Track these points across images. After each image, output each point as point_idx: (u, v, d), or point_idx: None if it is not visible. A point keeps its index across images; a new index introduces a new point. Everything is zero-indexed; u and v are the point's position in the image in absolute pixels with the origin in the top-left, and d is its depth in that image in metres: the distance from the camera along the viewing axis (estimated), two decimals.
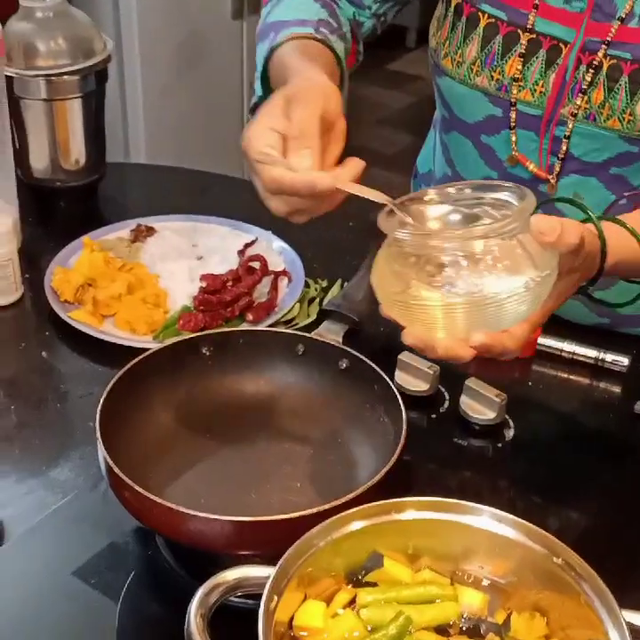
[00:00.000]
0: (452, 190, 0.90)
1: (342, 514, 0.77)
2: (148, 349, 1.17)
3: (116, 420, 0.95)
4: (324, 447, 1.00)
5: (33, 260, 1.36)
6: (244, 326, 1.24)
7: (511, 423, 1.13)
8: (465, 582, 0.81)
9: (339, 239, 1.44)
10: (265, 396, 1.04)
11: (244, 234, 1.40)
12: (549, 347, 1.23)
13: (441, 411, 1.14)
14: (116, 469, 0.86)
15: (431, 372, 1.12)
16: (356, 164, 0.93)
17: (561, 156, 1.18)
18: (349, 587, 0.80)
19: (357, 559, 0.80)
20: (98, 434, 0.91)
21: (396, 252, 0.85)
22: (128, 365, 0.98)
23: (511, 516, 0.79)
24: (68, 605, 0.93)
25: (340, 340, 1.04)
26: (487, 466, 1.10)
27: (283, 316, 1.26)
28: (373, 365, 1.00)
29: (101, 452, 0.89)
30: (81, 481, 1.04)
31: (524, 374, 1.22)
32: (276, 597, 0.72)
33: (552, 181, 1.20)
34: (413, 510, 0.79)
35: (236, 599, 0.80)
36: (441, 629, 0.78)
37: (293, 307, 1.27)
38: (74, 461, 1.07)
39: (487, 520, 0.79)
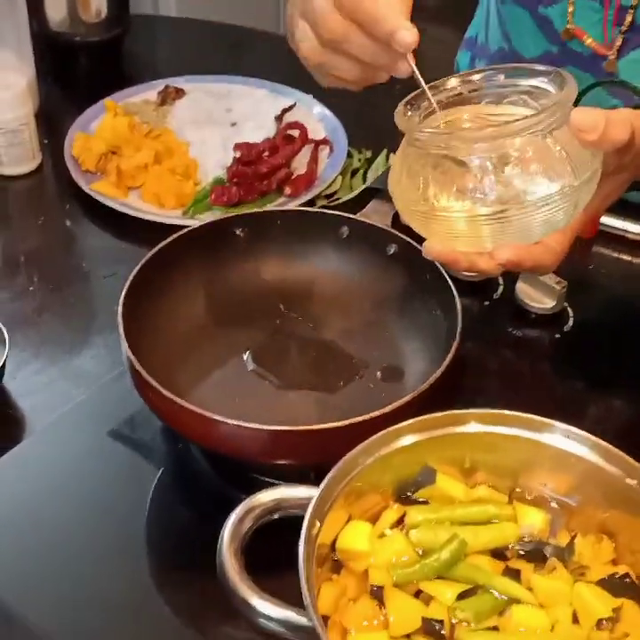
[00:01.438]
0: (479, 76, 0.78)
1: (393, 428, 0.69)
2: (177, 226, 1.09)
3: (141, 310, 0.86)
4: (370, 341, 0.91)
5: (51, 123, 1.26)
6: (282, 200, 1.14)
7: (571, 312, 1.03)
8: (525, 500, 0.73)
9: (384, 104, 1.30)
10: (304, 284, 0.94)
11: (281, 97, 1.28)
12: (613, 227, 1.12)
13: (494, 297, 1.05)
14: (142, 370, 0.78)
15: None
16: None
17: (624, 28, 1.05)
18: (397, 505, 0.72)
19: (407, 474, 0.72)
20: (121, 329, 0.82)
21: (414, 154, 0.74)
22: (150, 253, 0.88)
23: (583, 433, 0.70)
24: (91, 506, 0.86)
25: (389, 223, 0.94)
26: (544, 358, 1.01)
27: (323, 190, 1.16)
28: None
29: (125, 348, 0.81)
30: (105, 371, 0.96)
31: (584, 258, 1.11)
32: (318, 523, 0.64)
33: (611, 57, 1.07)
34: (476, 423, 0.70)
35: None
36: (497, 553, 0.71)
37: (335, 179, 1.17)
38: (97, 349, 1.00)
39: (557, 436, 0.70)
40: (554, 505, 0.73)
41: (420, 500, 0.73)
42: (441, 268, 0.89)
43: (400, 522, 0.72)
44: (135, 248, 1.11)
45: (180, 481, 0.89)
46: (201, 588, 0.79)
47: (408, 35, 0.75)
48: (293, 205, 1.12)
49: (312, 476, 0.81)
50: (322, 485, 0.65)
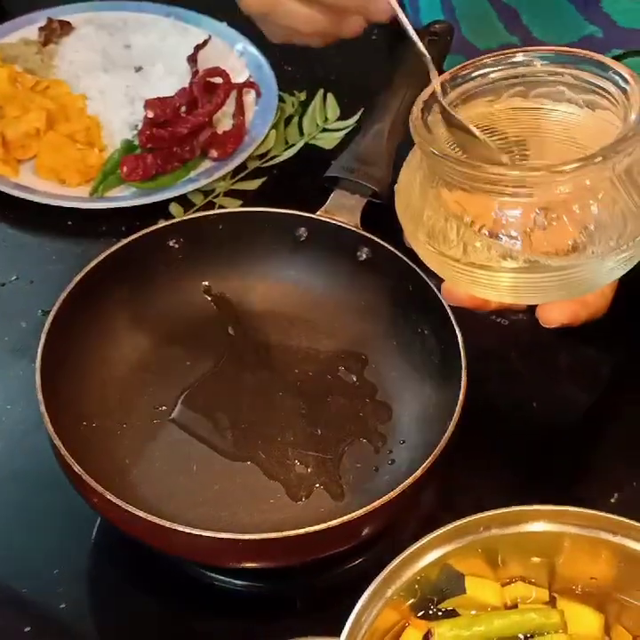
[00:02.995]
0: (520, 58, 0.62)
1: (420, 545, 0.54)
2: (85, 211, 0.90)
3: (60, 366, 0.69)
4: (343, 372, 0.75)
5: None
6: (208, 166, 0.95)
7: None
8: (570, 594, 0.60)
9: None
10: (257, 302, 0.77)
11: (191, 28, 1.07)
12: None
13: None
14: (77, 468, 0.61)
15: None
16: None
17: None
18: (419, 620, 0.59)
19: (429, 582, 0.58)
20: (40, 396, 0.65)
21: (439, 181, 0.58)
22: (65, 291, 0.71)
23: None
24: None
25: (358, 222, 0.76)
26: (537, 352, 0.86)
27: (255, 150, 0.97)
28: (404, 257, 0.74)
29: (50, 430, 0.63)
30: (18, 416, 0.78)
31: None
32: None
33: None
34: (543, 522, 0.56)
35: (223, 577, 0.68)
36: None
37: (268, 134, 0.98)
38: (7, 382, 0.81)
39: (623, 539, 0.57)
40: (606, 600, 0.60)
41: (445, 609, 0.59)
42: (426, 278, 0.73)
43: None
44: (37, 241, 0.93)
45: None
46: None
47: None
48: (223, 172, 0.94)
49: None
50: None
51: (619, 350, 0.85)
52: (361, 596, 0.59)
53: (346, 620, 0.67)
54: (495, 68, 0.63)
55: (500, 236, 0.57)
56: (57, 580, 0.71)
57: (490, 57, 0.63)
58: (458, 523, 0.55)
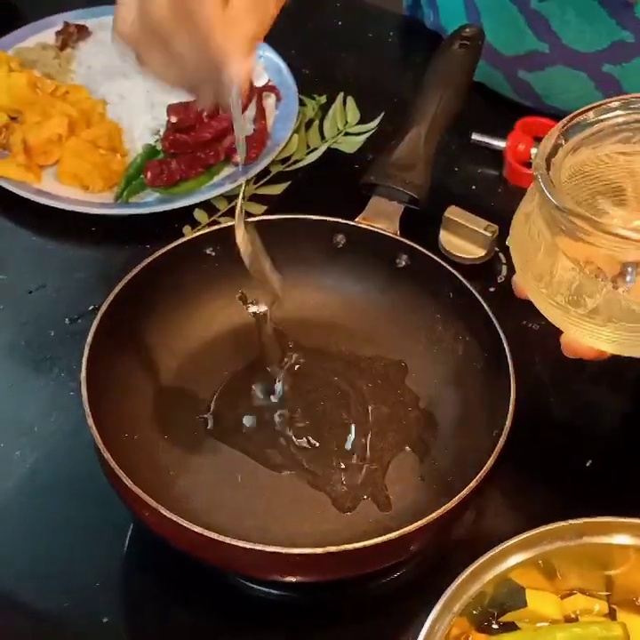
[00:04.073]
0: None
1: (490, 555, 0.54)
2: (109, 217, 0.89)
3: (101, 383, 0.67)
4: (384, 380, 0.74)
5: None
6: (230, 171, 0.94)
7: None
8: (630, 607, 0.60)
9: (332, 29, 1.10)
10: (294, 310, 0.76)
11: None
12: None
13: (499, 281, 0.88)
14: (128, 481, 0.60)
15: (489, 234, 0.85)
16: None
17: None
18: (479, 634, 0.58)
19: (489, 596, 0.58)
20: (87, 407, 0.64)
21: (561, 232, 0.57)
22: (105, 305, 0.69)
23: None
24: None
25: (397, 228, 0.76)
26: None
27: (278, 154, 0.96)
28: (444, 264, 0.73)
29: (99, 444, 0.62)
30: (51, 426, 0.77)
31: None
32: None
33: None
34: (615, 534, 0.56)
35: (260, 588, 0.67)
36: None
37: (291, 138, 0.97)
38: (39, 391, 0.80)
39: None
40: None
41: (504, 623, 0.59)
42: (467, 284, 0.72)
43: None
44: (62, 248, 0.91)
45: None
46: None
47: (236, 68, 0.64)
48: (248, 176, 0.93)
49: None
50: None
51: None
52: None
53: (383, 634, 0.67)
54: (619, 114, 0.61)
55: (622, 289, 0.56)
56: (98, 594, 0.70)
57: (613, 101, 0.62)
58: (526, 535, 0.54)
